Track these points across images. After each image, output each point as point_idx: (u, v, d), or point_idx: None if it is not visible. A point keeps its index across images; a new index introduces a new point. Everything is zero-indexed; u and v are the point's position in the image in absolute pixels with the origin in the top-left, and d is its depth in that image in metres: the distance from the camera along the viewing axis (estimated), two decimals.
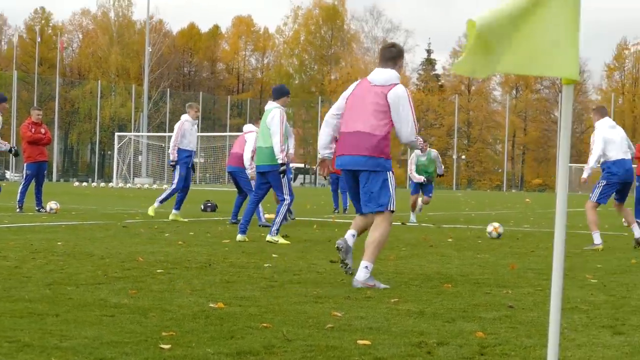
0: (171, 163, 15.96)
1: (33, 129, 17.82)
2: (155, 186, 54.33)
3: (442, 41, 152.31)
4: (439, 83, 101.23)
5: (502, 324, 5.34)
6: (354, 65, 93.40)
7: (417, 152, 17.44)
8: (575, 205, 21.26)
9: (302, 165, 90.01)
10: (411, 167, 17.56)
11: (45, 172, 18.77)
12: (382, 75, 7.28)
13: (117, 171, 61.25)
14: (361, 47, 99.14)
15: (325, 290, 6.67)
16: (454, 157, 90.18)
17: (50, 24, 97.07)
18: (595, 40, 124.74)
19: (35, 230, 12.56)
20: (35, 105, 51.19)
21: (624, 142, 11.71)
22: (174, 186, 16.01)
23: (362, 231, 7.42)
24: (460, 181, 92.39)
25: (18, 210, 17.42)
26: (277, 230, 11.37)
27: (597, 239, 11.46)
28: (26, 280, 6.85)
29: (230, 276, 7.45)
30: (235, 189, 15.74)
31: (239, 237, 11.46)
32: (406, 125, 7.12)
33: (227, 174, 18.37)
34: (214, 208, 20.18)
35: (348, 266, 7.21)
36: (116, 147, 60.83)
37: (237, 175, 15.05)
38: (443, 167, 18.18)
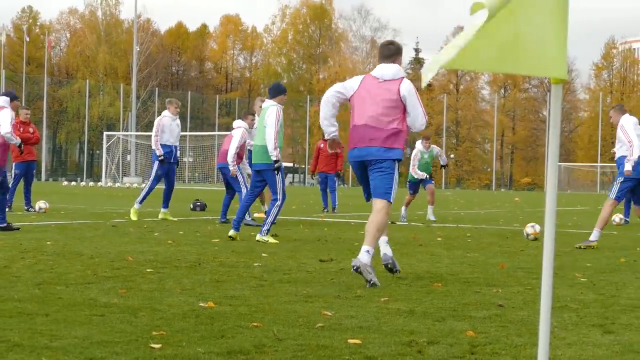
0: (159, 158, 15.93)
1: (21, 129, 17.76)
2: (144, 185, 54.12)
3: (430, 40, 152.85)
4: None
5: (493, 322, 5.35)
6: (342, 64, 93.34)
7: (421, 148, 17.67)
8: (564, 204, 21.32)
9: (290, 165, 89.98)
10: (414, 163, 17.68)
11: (34, 171, 18.71)
12: (389, 70, 7.49)
13: (106, 170, 61.12)
14: (349, 46, 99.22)
15: (315, 290, 6.67)
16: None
17: (38, 23, 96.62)
18: (583, 39, 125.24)
19: (24, 230, 12.53)
20: (23, 104, 50.94)
21: None
22: (150, 184, 16.05)
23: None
24: (449, 180, 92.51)
25: (7, 209, 17.32)
26: (268, 230, 11.37)
27: (596, 236, 11.47)
28: (15, 280, 6.84)
29: (220, 275, 7.45)
30: (224, 188, 15.73)
31: (232, 232, 11.49)
32: (421, 114, 7.46)
33: (216, 171, 18.37)
34: (203, 207, 20.16)
35: (395, 268, 7.73)
36: (105, 146, 60.71)
37: (226, 172, 15.04)
38: (446, 158, 18.89)
